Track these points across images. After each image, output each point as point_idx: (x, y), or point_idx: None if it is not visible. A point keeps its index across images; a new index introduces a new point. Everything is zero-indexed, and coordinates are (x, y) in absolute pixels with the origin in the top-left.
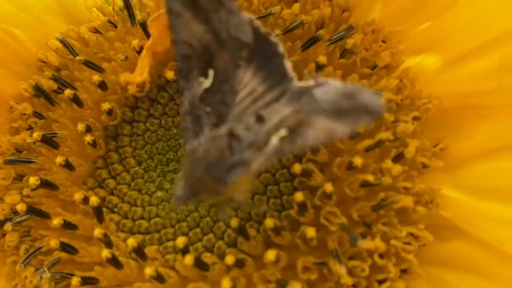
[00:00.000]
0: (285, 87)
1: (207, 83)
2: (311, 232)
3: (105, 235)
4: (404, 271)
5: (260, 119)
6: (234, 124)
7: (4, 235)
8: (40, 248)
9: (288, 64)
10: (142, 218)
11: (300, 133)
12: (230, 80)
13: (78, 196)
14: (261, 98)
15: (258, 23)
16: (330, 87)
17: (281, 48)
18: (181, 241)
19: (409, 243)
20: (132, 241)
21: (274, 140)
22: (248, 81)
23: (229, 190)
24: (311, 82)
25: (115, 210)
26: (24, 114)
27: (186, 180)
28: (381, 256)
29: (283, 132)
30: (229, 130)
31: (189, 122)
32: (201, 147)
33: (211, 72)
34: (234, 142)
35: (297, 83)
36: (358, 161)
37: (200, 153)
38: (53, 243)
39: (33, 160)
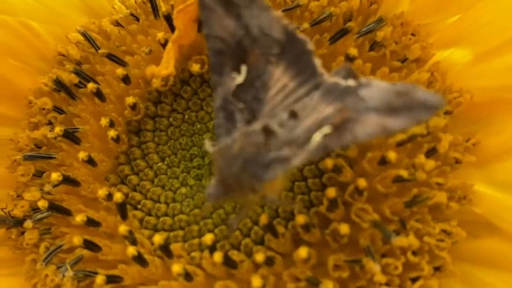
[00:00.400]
0: (316, 83)
1: (240, 78)
2: (344, 228)
3: (130, 232)
4: (437, 269)
5: (293, 114)
6: (268, 120)
7: (22, 233)
8: (61, 246)
9: (318, 61)
10: (166, 214)
11: (347, 129)
12: (262, 76)
13: (102, 192)
14: (292, 94)
15: (287, 21)
16: (377, 87)
17: (311, 46)
18: (208, 238)
19: (442, 240)
20: (158, 238)
21: (318, 137)
22: (279, 77)
23: (263, 188)
24: (351, 82)
25: (138, 206)
26: (44, 109)
27: (219, 178)
28: (414, 253)
29: (326, 129)
30: (264, 126)
31: (222, 118)
32: (236, 144)
33: (243, 68)
34: (270, 138)
35: (329, 79)
36: (392, 155)
37: (235, 149)
38: (76, 240)
39: (54, 156)
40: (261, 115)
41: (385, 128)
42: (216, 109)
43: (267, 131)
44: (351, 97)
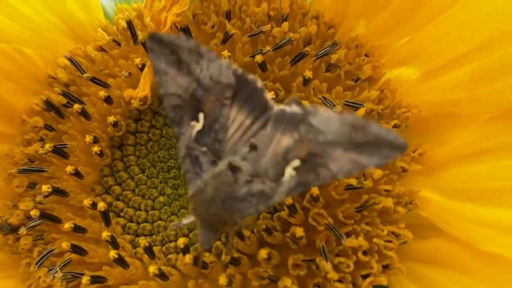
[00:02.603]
0: (268, 116)
1: (199, 126)
2: (299, 231)
3: (112, 237)
4: (386, 267)
5: (252, 147)
6: (231, 157)
7: (18, 239)
8: (52, 250)
9: (268, 96)
10: (146, 221)
11: (321, 165)
12: (220, 119)
13: (87, 202)
14: (249, 129)
15: (235, 66)
16: (324, 116)
17: (260, 83)
18: (181, 241)
19: (390, 241)
20: (143, 241)
21: (289, 171)
22: (235, 117)
23: (244, 220)
24: (296, 109)
25: (121, 214)
26: (36, 127)
27: (203, 223)
28: (364, 253)
29: (296, 163)
30: (228, 163)
31: (188, 164)
32: (208, 187)
33: (201, 116)
34: (237, 173)
35: (277, 107)
36: None
37: (209, 192)
38: (65, 245)
39: (45, 169)
40: (224, 154)
41: (359, 165)
42: (181, 157)
43: (233, 168)
44: (302, 125)
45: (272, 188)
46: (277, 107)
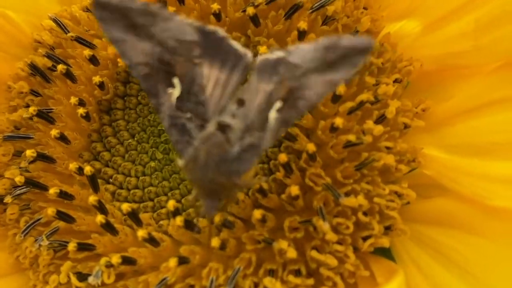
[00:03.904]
0: (244, 64)
1: (176, 92)
2: (295, 190)
3: (99, 202)
4: (388, 228)
5: (240, 103)
6: (219, 117)
7: (5, 210)
8: (39, 219)
9: (235, 43)
10: (137, 187)
11: (299, 97)
12: (196, 80)
13: (72, 166)
14: (227, 84)
15: (191, 20)
16: (303, 50)
17: (222, 32)
18: (171, 204)
19: (392, 201)
20: (126, 206)
21: (273, 115)
22: (209, 74)
23: (242, 179)
24: (279, 53)
25: (110, 180)
26: (21, 93)
27: (202, 192)
28: (365, 213)
29: (278, 104)
30: (218, 124)
31: (176, 134)
32: (200, 152)
33: (176, 80)
34: (228, 132)
35: (260, 57)
36: (339, 121)
37: (202, 157)
38: (50, 211)
39: (31, 136)
40: (209, 115)
41: (330, 83)
42: (167, 129)
43: (222, 127)
44: (284, 67)
45: (259, 137)
46: (260, 57)
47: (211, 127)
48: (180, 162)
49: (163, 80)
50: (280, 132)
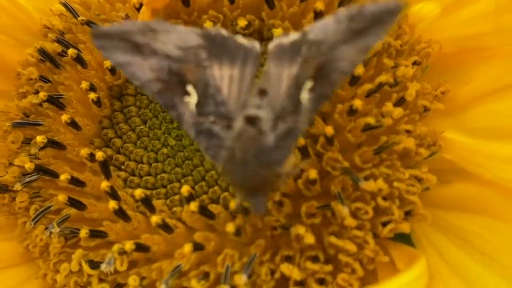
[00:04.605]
0: (254, 55)
1: (193, 99)
2: (313, 173)
3: (111, 188)
4: (408, 213)
5: (262, 93)
6: (243, 111)
7: (14, 198)
8: (50, 207)
9: (240, 38)
10: (149, 174)
11: (331, 70)
12: (210, 83)
13: (84, 152)
14: (243, 78)
15: (193, 28)
16: (322, 25)
17: (224, 31)
18: (185, 189)
19: (412, 185)
20: (139, 192)
21: (305, 95)
22: (221, 74)
23: (285, 168)
24: (294, 35)
25: (122, 167)
26: (31, 79)
27: (248, 191)
28: (384, 198)
29: (309, 84)
30: (245, 119)
31: (204, 140)
32: (235, 151)
33: (190, 88)
34: (258, 124)
35: (273, 43)
36: (358, 103)
37: (238, 156)
38: (61, 197)
39: (41, 123)
40: (233, 114)
41: (362, 49)
42: (194, 138)
43: (251, 120)
44: (305, 47)
45: (295, 120)
46: (272, 43)
47: (239, 123)
48: (218, 168)
49: (178, 91)
50: (316, 110)
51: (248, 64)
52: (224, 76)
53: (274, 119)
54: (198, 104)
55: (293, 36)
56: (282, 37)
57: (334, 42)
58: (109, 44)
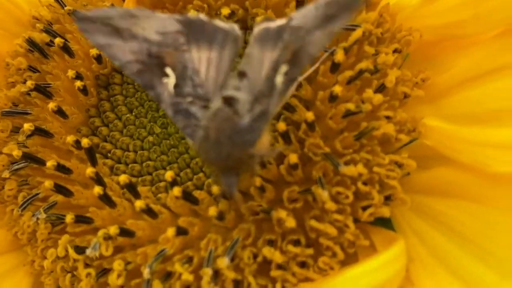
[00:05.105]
0: (233, 38)
1: (171, 80)
2: (293, 158)
3: (96, 173)
4: (388, 198)
5: (241, 75)
6: (221, 93)
7: (3, 187)
8: (37, 194)
9: (219, 22)
10: (135, 162)
11: (303, 54)
12: (188, 65)
13: (70, 139)
14: (222, 60)
15: (172, 14)
16: (304, 11)
17: (203, 16)
18: (169, 175)
19: (392, 170)
20: (124, 177)
21: (279, 79)
22: (199, 57)
23: (257, 149)
24: (281, 21)
25: (109, 155)
26: (20, 69)
27: (220, 170)
28: (364, 183)
29: (284, 68)
30: (223, 99)
31: (182, 120)
32: (210, 130)
33: (168, 70)
34: (235, 104)
35: (258, 27)
36: (338, 89)
37: (213, 135)
38: (48, 184)
39: (29, 112)
40: (211, 94)
41: (329, 33)
42: (172, 117)
43: (228, 101)
44: (288, 33)
45: (268, 103)
46: (258, 27)
47: (216, 103)
48: (193, 146)
49: (157, 73)
50: (289, 95)
51: (227, 46)
52: (202, 59)
53: (251, 101)
54: (176, 85)
55: (280, 21)
56: (269, 22)
57: (310, 28)
58: (91, 27)
